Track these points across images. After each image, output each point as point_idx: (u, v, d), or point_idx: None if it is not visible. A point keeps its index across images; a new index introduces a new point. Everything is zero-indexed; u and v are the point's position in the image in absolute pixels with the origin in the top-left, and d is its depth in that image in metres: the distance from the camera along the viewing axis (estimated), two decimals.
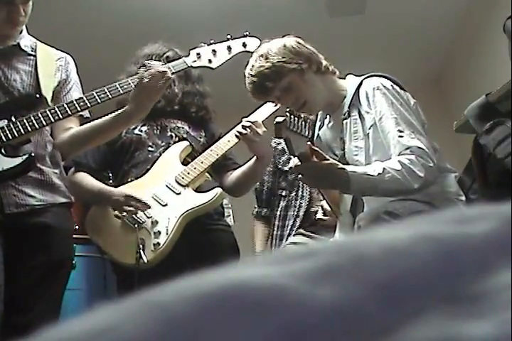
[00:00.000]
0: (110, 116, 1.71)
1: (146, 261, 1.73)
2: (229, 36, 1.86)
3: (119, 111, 1.69)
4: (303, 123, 1.71)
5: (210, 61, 1.81)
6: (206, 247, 1.92)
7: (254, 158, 2.00)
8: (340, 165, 1.52)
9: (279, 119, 1.66)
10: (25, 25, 1.77)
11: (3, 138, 1.55)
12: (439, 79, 4.80)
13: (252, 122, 1.94)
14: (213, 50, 1.81)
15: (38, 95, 1.66)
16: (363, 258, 0.23)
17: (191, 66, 1.79)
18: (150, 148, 2.04)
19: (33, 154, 1.60)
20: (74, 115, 1.73)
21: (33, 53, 1.76)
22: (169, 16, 3.69)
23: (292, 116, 1.67)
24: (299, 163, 1.57)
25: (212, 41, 1.83)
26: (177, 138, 2.07)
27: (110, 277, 2.06)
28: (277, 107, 1.91)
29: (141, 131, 2.08)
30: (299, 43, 1.73)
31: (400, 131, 1.57)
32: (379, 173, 1.49)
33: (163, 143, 2.05)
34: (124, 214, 1.85)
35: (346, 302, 0.21)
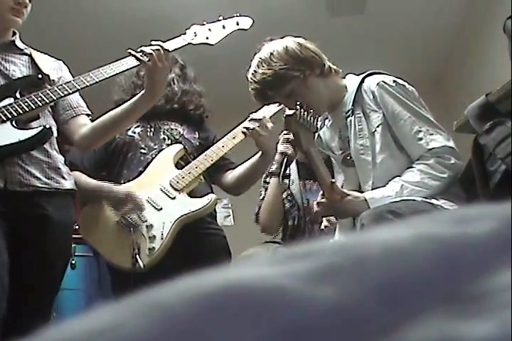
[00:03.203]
0: (127, 103, 1.73)
1: (142, 265, 1.73)
2: (221, 17, 1.91)
3: (136, 97, 1.71)
4: (311, 117, 1.69)
5: (207, 38, 1.85)
6: (198, 251, 1.93)
7: (259, 154, 2.00)
8: (361, 197, 1.56)
9: (289, 112, 1.64)
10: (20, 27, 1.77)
11: (13, 112, 1.54)
12: (439, 79, 4.80)
13: (260, 117, 1.96)
14: (209, 29, 1.87)
15: (40, 75, 1.67)
16: (364, 258, 0.23)
17: (190, 43, 1.81)
18: (142, 150, 2.04)
19: (48, 126, 1.60)
20: (82, 113, 1.78)
21: (27, 52, 1.76)
22: (168, 18, 3.69)
23: (302, 110, 1.65)
24: (322, 202, 1.60)
25: (205, 22, 1.88)
26: (170, 141, 2.07)
27: (109, 277, 2.06)
28: (281, 107, 1.91)
29: (135, 133, 2.08)
30: (301, 45, 1.69)
31: (418, 132, 1.59)
32: (396, 192, 1.53)
33: (156, 146, 2.05)
34: (118, 212, 1.85)
35: (347, 303, 0.21)
